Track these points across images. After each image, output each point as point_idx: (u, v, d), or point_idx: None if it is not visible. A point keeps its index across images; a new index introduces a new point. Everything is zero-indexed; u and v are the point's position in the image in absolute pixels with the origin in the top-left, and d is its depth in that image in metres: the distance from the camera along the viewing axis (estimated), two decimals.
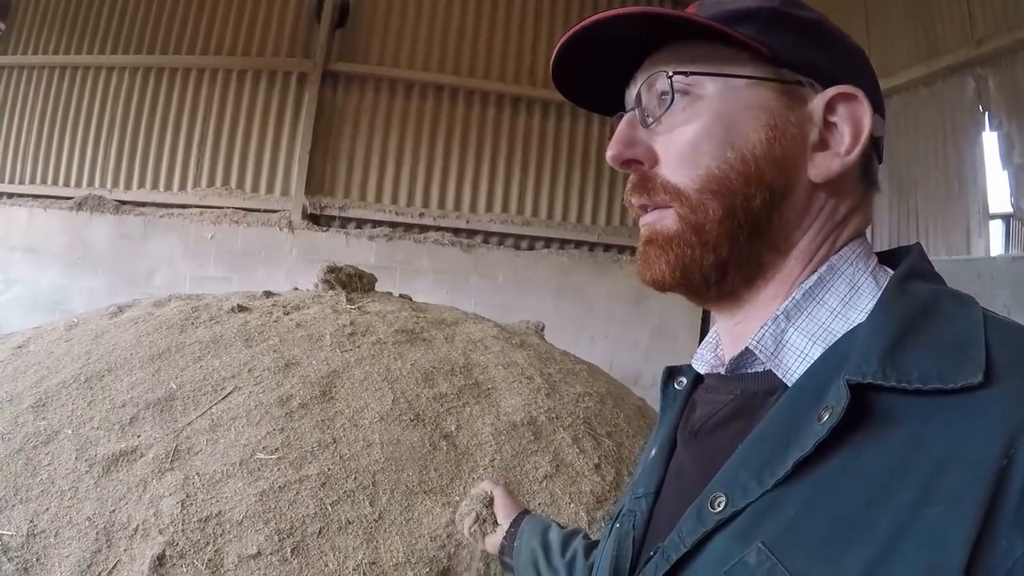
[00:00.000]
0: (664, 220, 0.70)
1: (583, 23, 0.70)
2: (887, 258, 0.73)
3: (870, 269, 0.68)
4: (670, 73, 0.69)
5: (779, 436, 0.59)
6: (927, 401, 0.52)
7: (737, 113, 0.68)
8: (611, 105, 0.81)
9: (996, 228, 5.69)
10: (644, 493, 0.79)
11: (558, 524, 1.19)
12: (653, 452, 0.83)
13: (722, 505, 0.59)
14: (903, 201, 5.55)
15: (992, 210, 5.02)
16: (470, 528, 1.29)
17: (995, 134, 4.90)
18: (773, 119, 0.67)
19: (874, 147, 0.71)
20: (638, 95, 0.73)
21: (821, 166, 0.67)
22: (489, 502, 1.30)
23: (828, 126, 0.68)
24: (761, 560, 0.53)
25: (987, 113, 4.97)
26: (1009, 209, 4.96)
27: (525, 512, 1.27)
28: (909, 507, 0.48)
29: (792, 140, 0.67)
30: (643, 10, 0.67)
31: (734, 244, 0.68)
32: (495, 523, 1.27)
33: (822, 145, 0.68)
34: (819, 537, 0.52)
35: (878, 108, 0.70)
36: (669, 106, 0.69)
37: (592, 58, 0.75)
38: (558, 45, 0.73)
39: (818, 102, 0.68)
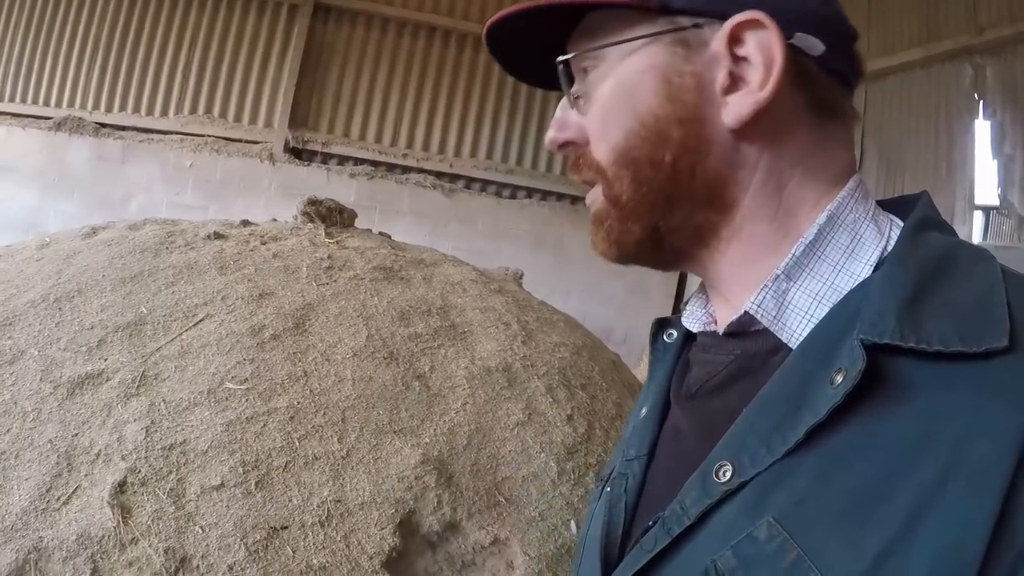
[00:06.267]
0: (595, 197, 0.71)
1: (492, 20, 0.70)
2: (891, 207, 0.67)
3: (870, 214, 0.63)
4: (562, 59, 0.70)
5: (787, 400, 0.55)
6: (947, 365, 0.48)
7: (633, 79, 0.65)
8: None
9: (978, 220, 5.66)
10: (636, 455, 0.75)
11: None
12: (644, 411, 0.79)
13: (728, 475, 0.55)
14: (890, 179, 5.53)
15: (977, 201, 4.98)
16: None
17: (988, 123, 4.85)
18: (667, 75, 0.64)
19: (827, 68, 0.64)
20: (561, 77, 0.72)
21: (732, 109, 0.62)
22: None
23: (740, 62, 0.62)
24: (772, 536, 0.50)
25: (982, 102, 4.92)
26: (993, 202, 4.94)
27: None
28: (930, 481, 0.45)
29: (692, 91, 0.63)
30: (523, 8, 0.67)
31: (654, 211, 0.66)
32: None
33: (735, 85, 0.62)
34: (834, 512, 0.48)
35: (811, 26, 0.62)
36: (577, 87, 0.70)
37: (526, 35, 0.73)
38: (484, 32, 0.73)
39: (719, 40, 0.62)
